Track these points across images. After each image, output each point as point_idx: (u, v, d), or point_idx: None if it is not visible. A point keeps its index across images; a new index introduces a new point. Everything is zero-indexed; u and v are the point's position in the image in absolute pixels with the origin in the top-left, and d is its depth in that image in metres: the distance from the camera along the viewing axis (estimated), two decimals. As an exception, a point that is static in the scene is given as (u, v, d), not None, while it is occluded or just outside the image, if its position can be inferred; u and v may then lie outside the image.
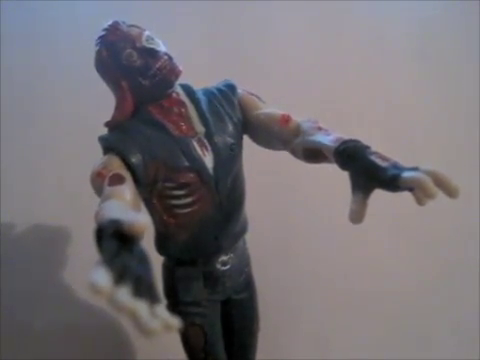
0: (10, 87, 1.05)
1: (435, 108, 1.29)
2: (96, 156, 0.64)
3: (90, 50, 0.68)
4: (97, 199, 0.56)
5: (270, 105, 0.72)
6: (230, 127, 0.68)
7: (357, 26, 1.25)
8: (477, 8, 1.33)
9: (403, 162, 0.48)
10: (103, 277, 0.30)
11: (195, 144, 0.65)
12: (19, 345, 1.01)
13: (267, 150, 0.72)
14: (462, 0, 1.32)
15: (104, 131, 0.67)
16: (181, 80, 0.68)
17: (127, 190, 0.56)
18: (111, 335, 1.06)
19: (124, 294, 0.31)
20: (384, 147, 0.57)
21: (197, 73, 0.74)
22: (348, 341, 1.16)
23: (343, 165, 0.52)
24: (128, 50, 0.64)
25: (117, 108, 0.66)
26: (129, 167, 0.61)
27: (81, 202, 0.85)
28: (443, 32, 1.31)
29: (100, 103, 0.73)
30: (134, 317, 0.30)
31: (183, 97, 0.67)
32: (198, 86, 0.71)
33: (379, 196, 0.49)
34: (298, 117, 0.66)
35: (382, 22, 1.28)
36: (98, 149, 0.65)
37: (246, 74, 0.95)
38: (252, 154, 0.73)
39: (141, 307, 0.31)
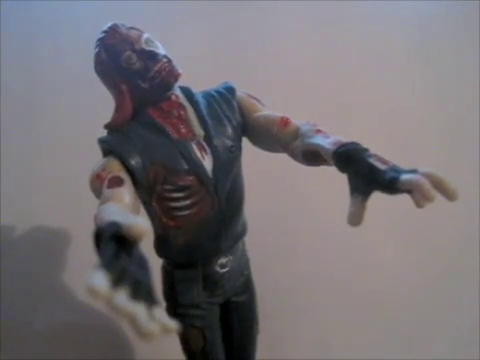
0: (10, 87, 1.05)
1: (435, 108, 1.29)
2: (96, 158, 0.64)
3: (90, 50, 0.68)
4: (97, 201, 0.56)
5: (270, 107, 0.72)
6: (229, 130, 0.68)
7: (357, 27, 1.25)
8: (477, 8, 1.33)
9: (402, 162, 0.48)
10: (101, 280, 0.30)
11: (194, 147, 0.65)
12: (19, 345, 1.01)
13: (266, 153, 0.72)
14: (462, 0, 1.32)
15: (104, 133, 0.67)
16: (181, 82, 0.68)
17: (126, 193, 0.56)
18: (111, 336, 1.06)
19: (122, 297, 0.31)
20: (383, 147, 0.57)
21: (197, 75, 0.74)
22: (348, 344, 1.15)
23: (342, 168, 0.52)
24: (127, 53, 0.63)
25: (117, 111, 0.66)
26: (128, 170, 0.61)
27: (81, 203, 0.85)
28: (443, 32, 1.31)
29: (100, 104, 0.73)
30: (132, 320, 0.30)
31: (182, 100, 0.67)
32: (198, 88, 0.71)
33: (379, 198, 0.49)
34: (298, 119, 0.66)
35: (382, 22, 1.28)
36: (98, 151, 0.65)
37: (246, 76, 0.95)
38: (251, 157, 0.73)
39: (139, 310, 0.31)
